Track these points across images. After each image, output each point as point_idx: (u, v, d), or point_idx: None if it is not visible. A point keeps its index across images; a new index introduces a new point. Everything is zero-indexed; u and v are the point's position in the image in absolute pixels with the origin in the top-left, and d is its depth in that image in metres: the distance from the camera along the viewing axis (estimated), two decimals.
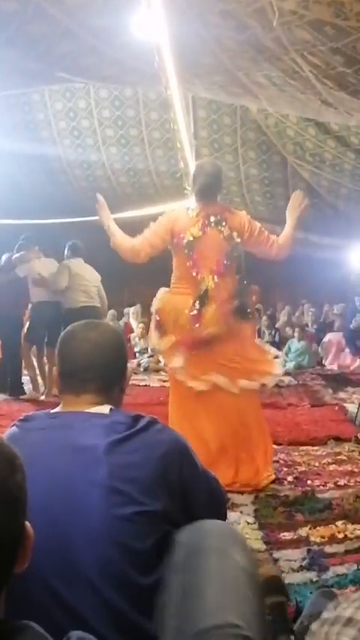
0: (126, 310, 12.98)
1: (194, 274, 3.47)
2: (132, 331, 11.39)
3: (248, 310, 3.62)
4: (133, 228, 3.71)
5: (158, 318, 3.58)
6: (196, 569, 1.26)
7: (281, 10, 4.19)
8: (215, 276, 3.46)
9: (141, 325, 11.15)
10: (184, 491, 1.43)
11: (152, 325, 3.67)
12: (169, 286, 3.67)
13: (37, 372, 6.99)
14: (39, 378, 6.94)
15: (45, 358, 6.88)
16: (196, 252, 3.46)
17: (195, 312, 3.43)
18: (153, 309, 3.66)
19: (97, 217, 3.72)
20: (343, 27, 4.20)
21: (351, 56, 4.55)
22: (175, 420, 3.48)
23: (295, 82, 5.48)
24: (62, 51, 5.87)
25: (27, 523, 0.86)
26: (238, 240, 3.50)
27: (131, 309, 12.62)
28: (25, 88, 8.98)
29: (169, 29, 4.97)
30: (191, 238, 3.45)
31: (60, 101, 10.17)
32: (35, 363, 7.03)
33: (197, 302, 3.44)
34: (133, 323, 11.94)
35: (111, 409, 1.46)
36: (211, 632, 1.14)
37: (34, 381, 6.92)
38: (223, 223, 3.47)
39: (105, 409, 1.45)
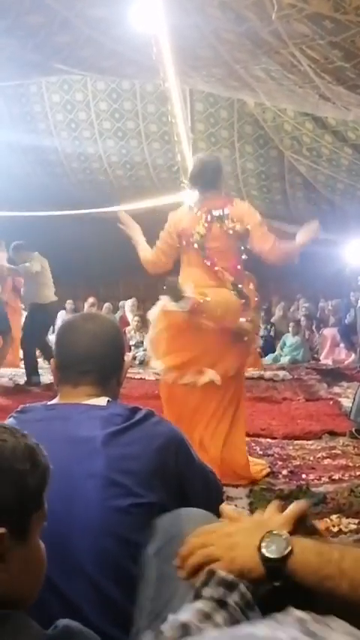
0: (121, 303, 12.98)
1: (214, 269, 3.47)
2: (128, 324, 11.39)
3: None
4: None
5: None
6: (172, 555, 1.27)
7: (280, 3, 4.17)
8: (230, 274, 3.47)
9: (136, 318, 11.15)
10: (181, 484, 1.43)
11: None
12: (164, 279, 3.66)
13: None
14: None
15: None
16: (208, 250, 3.46)
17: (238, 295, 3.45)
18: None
19: (92, 210, 3.74)
20: (342, 21, 4.19)
21: (349, 50, 4.54)
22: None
23: (293, 76, 5.47)
24: (60, 42, 5.84)
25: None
26: (243, 231, 3.48)
27: (127, 303, 12.61)
28: (22, 80, 8.94)
29: (167, 21, 4.96)
30: (199, 238, 3.45)
31: (57, 93, 10.13)
32: None
33: (235, 290, 3.45)
34: (129, 316, 11.94)
35: (108, 401, 1.46)
36: None
37: None
38: (225, 217, 3.46)
39: (102, 401, 1.45)
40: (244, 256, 3.57)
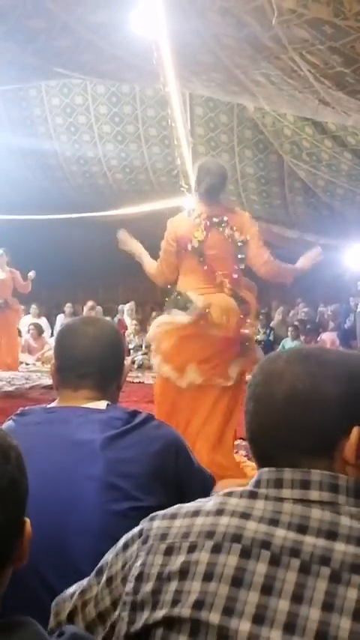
0: (120, 307, 12.97)
1: (213, 275, 3.47)
2: (126, 328, 11.38)
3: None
4: (129, 224, 3.72)
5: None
6: None
7: (280, 9, 4.18)
8: (229, 281, 3.48)
9: (134, 322, 11.14)
10: (179, 488, 1.43)
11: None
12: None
13: None
14: None
15: None
16: (206, 256, 3.46)
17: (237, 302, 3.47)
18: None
19: (92, 214, 3.74)
20: (342, 26, 4.20)
21: (349, 56, 4.54)
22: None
23: (293, 81, 5.47)
24: (60, 46, 5.85)
25: (27, 520, 0.85)
26: (242, 239, 3.48)
27: (126, 306, 12.61)
28: (22, 83, 8.94)
29: (167, 26, 4.97)
30: (197, 244, 3.44)
31: (57, 97, 10.14)
32: None
33: (232, 295, 3.46)
34: (127, 320, 11.93)
35: (108, 404, 1.46)
36: None
37: None
38: (224, 224, 3.46)
39: (102, 404, 1.45)
40: (242, 266, 3.57)
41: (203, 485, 1.54)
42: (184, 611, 0.86)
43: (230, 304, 3.46)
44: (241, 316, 3.49)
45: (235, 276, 3.53)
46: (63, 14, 5.24)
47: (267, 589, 0.84)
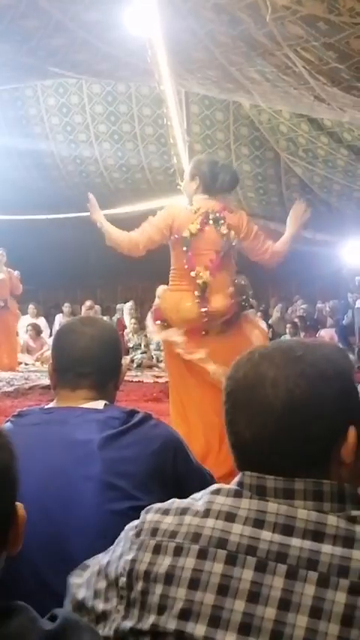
0: (119, 306, 12.96)
1: (190, 271, 3.48)
2: (125, 328, 11.38)
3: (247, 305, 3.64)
4: (126, 224, 3.70)
5: (159, 315, 3.57)
6: None
7: (274, 5, 4.17)
8: (209, 272, 3.47)
9: (133, 321, 11.14)
10: (178, 487, 1.43)
11: (151, 320, 3.67)
12: (162, 282, 3.68)
13: None
14: None
15: None
16: (191, 248, 3.47)
17: (198, 299, 3.44)
18: (155, 306, 3.67)
19: (89, 213, 3.71)
20: (336, 22, 4.19)
21: (344, 52, 4.54)
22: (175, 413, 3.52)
23: (288, 78, 5.47)
24: (55, 45, 5.84)
25: (19, 504, 0.85)
26: (235, 238, 3.50)
27: (125, 305, 12.60)
28: (17, 83, 8.94)
29: (161, 24, 4.96)
30: (188, 235, 3.45)
31: (53, 96, 10.13)
32: None
33: (198, 291, 3.45)
34: (127, 319, 11.92)
35: (105, 404, 1.46)
36: None
37: None
38: (222, 221, 3.47)
39: (99, 404, 1.45)
40: (232, 261, 3.59)
41: (202, 484, 1.53)
42: (170, 622, 0.85)
43: (184, 299, 3.49)
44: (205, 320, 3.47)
45: (220, 265, 3.51)
46: (57, 13, 5.23)
47: (254, 597, 0.82)
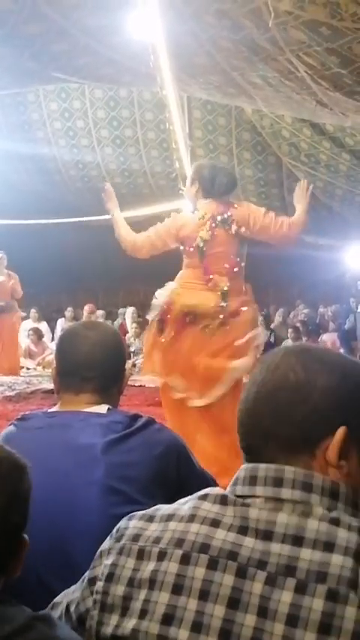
0: (121, 311, 12.95)
1: (208, 277, 3.48)
2: (127, 332, 11.37)
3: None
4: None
5: (164, 313, 3.53)
6: None
7: (277, 11, 4.18)
8: (227, 278, 3.48)
9: (135, 325, 11.13)
10: (181, 491, 1.42)
11: (152, 325, 3.66)
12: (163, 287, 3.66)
13: None
14: None
15: None
16: (207, 256, 3.47)
17: (220, 307, 3.45)
18: (160, 301, 3.60)
19: (91, 218, 3.74)
20: (338, 28, 4.20)
21: (346, 57, 4.55)
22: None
23: (290, 83, 5.48)
24: (57, 50, 5.85)
25: (25, 536, 0.85)
26: (247, 234, 3.50)
27: (128, 310, 12.59)
28: (20, 88, 8.95)
29: (164, 29, 4.97)
30: (201, 243, 3.46)
31: (55, 101, 10.15)
32: None
33: (221, 299, 3.45)
34: (129, 323, 11.92)
35: (109, 409, 1.46)
36: None
37: None
38: (230, 220, 3.47)
39: (103, 409, 1.45)
40: (243, 263, 3.59)
41: (206, 488, 1.53)
42: (152, 626, 0.84)
43: (205, 298, 3.47)
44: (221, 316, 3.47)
45: (236, 269, 3.54)
46: (59, 19, 5.24)
47: (234, 603, 0.81)
